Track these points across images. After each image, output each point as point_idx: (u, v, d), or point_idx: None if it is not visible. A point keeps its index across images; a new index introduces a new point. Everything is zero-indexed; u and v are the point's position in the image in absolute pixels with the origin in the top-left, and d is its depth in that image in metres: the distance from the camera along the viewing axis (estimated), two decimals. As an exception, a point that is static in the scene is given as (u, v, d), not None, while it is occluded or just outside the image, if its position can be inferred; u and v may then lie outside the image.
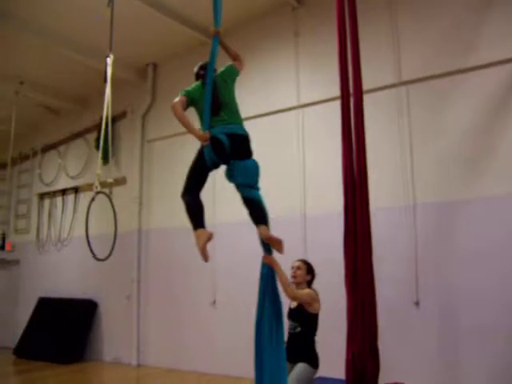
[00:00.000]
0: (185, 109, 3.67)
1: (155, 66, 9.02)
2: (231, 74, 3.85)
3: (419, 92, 6.07)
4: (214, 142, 3.53)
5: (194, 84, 3.87)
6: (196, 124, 3.74)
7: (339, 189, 6.29)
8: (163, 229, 8.41)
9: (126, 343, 8.49)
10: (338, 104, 6.29)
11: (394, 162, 6.10)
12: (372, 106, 5.85)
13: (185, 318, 7.86)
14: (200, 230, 3.44)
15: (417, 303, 5.68)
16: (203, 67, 3.86)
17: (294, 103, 7.02)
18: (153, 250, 8.54)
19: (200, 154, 3.61)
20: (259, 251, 3.71)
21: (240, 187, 3.56)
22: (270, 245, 3.54)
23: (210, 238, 3.38)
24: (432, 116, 5.94)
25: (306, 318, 3.87)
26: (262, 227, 3.47)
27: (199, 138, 3.54)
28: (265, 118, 7.24)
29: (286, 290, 3.71)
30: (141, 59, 8.75)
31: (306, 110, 6.92)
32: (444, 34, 5.96)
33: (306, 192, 6.78)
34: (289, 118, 7.08)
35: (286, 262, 3.99)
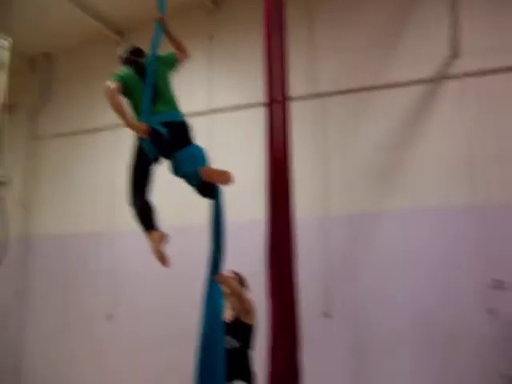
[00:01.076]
0: None
1: (49, 56, 8.25)
2: (170, 63, 3.57)
3: (334, 105, 6.19)
4: (153, 134, 3.21)
5: (122, 70, 3.50)
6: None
7: (254, 198, 6.29)
8: (55, 235, 7.64)
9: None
10: (254, 111, 6.40)
11: (308, 174, 6.12)
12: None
13: (75, 333, 7.16)
14: (152, 232, 3.07)
15: (329, 315, 5.71)
16: (135, 52, 3.53)
17: (206, 108, 6.79)
18: (41, 259, 7.69)
19: (139, 150, 3.26)
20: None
21: (189, 178, 3.26)
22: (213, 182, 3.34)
23: (164, 238, 3.05)
24: (347, 129, 6.08)
25: (244, 331, 3.66)
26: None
27: (139, 130, 3.20)
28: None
29: (243, 303, 3.48)
30: (32, 48, 7.94)
31: (218, 115, 6.73)
32: (359, 50, 6.15)
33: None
34: (200, 123, 6.80)
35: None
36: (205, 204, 3.68)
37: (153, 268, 3.65)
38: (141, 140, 3.27)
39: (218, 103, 6.73)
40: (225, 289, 3.40)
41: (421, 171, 5.71)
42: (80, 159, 7.61)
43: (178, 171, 3.28)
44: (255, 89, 6.44)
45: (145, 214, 3.19)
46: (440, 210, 5.55)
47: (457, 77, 5.72)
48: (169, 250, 3.31)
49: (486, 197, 5.36)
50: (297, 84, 6.22)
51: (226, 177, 3.21)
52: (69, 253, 7.33)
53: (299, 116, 6.19)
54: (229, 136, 6.64)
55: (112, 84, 3.29)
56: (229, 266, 5.71)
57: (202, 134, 6.62)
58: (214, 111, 6.73)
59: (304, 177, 6.04)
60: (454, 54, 5.71)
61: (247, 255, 5.53)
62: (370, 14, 6.18)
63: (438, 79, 5.80)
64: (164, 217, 3.60)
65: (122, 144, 6.23)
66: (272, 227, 4.68)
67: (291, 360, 4.34)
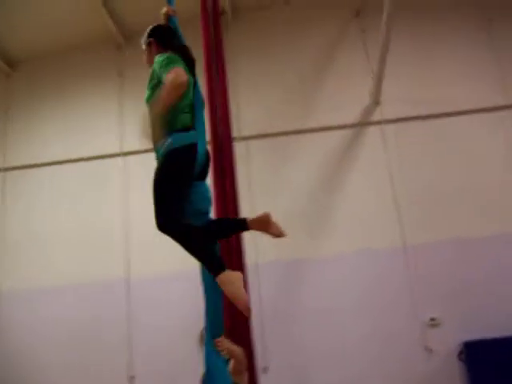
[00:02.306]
0: None
1: None
2: None
3: (260, 149, 6.01)
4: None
5: (166, 54, 2.61)
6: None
7: (171, 249, 5.76)
8: None
9: None
10: None
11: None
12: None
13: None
14: (229, 273, 2.27)
15: (265, 369, 5.28)
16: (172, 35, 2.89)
17: (117, 150, 6.15)
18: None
19: (189, 154, 2.49)
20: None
21: (197, 216, 2.61)
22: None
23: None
24: (275, 173, 5.91)
25: None
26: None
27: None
28: (82, 164, 6.14)
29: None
30: None
31: (130, 158, 6.13)
32: (284, 96, 6.10)
33: (130, 251, 5.86)
34: (111, 166, 6.14)
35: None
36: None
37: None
38: (193, 143, 2.52)
39: (130, 146, 6.14)
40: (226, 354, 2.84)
41: (348, 214, 5.71)
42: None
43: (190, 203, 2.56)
44: None
45: (207, 244, 2.42)
46: (373, 252, 5.56)
47: (378, 123, 5.93)
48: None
49: (414, 237, 5.50)
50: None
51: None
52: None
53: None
54: (142, 178, 6.04)
55: (178, 71, 2.44)
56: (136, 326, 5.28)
57: (113, 175, 6.09)
58: (125, 154, 6.12)
59: None
60: (376, 101, 5.93)
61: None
62: (298, 59, 6.20)
63: (361, 125, 5.96)
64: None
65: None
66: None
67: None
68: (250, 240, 5.61)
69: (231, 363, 2.93)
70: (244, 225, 2.76)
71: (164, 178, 2.44)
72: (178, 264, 5.65)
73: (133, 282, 5.73)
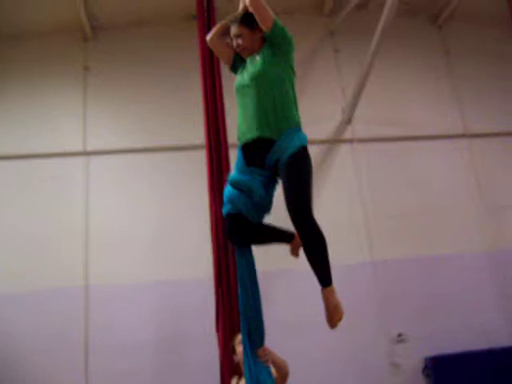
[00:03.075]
0: None
1: None
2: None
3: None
4: None
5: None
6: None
7: (135, 256, 5.55)
8: None
9: None
10: (137, 156, 5.71)
11: (196, 230, 5.56)
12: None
13: None
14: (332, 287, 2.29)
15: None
16: None
17: (80, 148, 5.72)
18: None
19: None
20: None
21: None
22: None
23: None
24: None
25: None
26: None
27: None
28: (42, 161, 5.63)
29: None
30: None
31: (93, 158, 5.72)
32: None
33: (89, 257, 5.43)
34: (73, 165, 5.69)
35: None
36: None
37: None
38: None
39: (94, 145, 5.75)
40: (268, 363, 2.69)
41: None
42: None
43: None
44: (136, 133, 5.84)
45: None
46: (341, 268, 5.62)
47: (349, 141, 6.06)
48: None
49: (383, 253, 5.66)
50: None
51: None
52: None
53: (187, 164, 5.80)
54: (105, 181, 5.70)
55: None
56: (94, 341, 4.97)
57: (75, 174, 5.64)
58: (88, 153, 5.72)
59: (193, 233, 5.55)
60: (347, 120, 6.07)
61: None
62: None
63: (332, 142, 6.05)
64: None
65: None
66: (223, 287, 4.12)
67: None
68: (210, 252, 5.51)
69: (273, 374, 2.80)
70: (291, 238, 2.78)
71: (310, 171, 2.40)
72: (140, 272, 5.42)
73: (92, 290, 5.33)
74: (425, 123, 6.22)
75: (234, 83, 2.66)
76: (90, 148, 5.72)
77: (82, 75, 5.94)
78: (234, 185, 2.46)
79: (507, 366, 5.19)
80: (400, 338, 5.40)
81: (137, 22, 6.03)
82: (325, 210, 5.72)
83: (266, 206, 2.50)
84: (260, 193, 2.42)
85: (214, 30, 2.75)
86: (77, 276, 5.33)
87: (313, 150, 5.80)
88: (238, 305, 3.87)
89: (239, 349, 3.36)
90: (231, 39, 2.65)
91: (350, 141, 6.06)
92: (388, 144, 6.07)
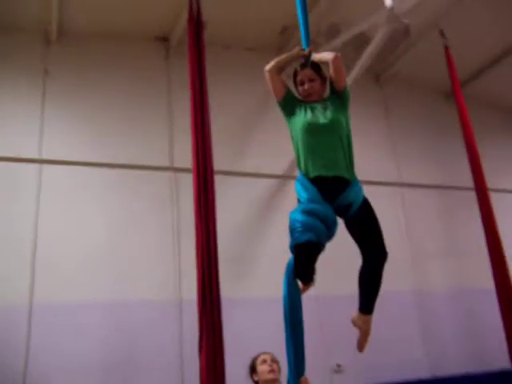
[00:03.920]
0: None
1: None
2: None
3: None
4: None
5: None
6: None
7: (89, 272, 5.32)
8: None
9: None
10: (92, 170, 5.54)
11: (163, 253, 5.56)
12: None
13: None
14: None
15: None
16: None
17: (35, 155, 5.37)
18: None
19: None
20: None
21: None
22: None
23: None
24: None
25: None
26: None
27: None
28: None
29: None
30: None
31: (49, 166, 5.40)
32: (216, 136, 6.14)
33: (35, 273, 5.05)
34: (26, 172, 5.31)
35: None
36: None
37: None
38: None
39: (49, 152, 5.44)
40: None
41: (268, 261, 5.94)
42: None
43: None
44: (93, 146, 5.66)
45: None
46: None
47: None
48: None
49: (325, 289, 5.98)
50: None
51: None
52: None
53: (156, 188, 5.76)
54: (55, 189, 5.40)
55: None
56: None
57: (29, 183, 5.25)
58: (44, 162, 5.40)
59: (161, 256, 5.53)
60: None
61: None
62: (238, 103, 6.38)
63: (285, 178, 6.35)
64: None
65: None
66: (206, 308, 4.12)
67: None
68: (174, 276, 5.47)
69: None
70: None
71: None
72: (91, 290, 5.18)
73: (36, 308, 4.96)
74: (365, 169, 6.77)
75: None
76: (45, 155, 5.40)
77: (42, 78, 5.62)
78: (312, 213, 2.58)
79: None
80: (339, 369, 5.74)
81: (106, 34, 5.89)
82: (276, 243, 5.98)
83: (332, 236, 2.69)
84: (335, 221, 2.61)
85: (275, 63, 2.95)
86: (20, 292, 4.93)
87: (268, 182, 6.12)
88: (220, 328, 4.04)
89: (261, 368, 3.43)
90: (299, 81, 2.88)
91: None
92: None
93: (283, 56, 2.99)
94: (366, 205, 2.75)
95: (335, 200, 2.65)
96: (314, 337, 5.72)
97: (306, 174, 2.73)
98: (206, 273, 4.20)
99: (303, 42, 3.13)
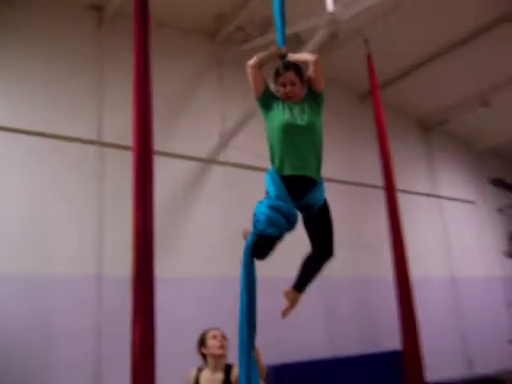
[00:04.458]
0: None
1: None
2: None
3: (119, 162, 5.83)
4: None
5: None
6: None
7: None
8: None
9: None
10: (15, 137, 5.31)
11: (83, 227, 5.47)
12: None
13: None
14: None
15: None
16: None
17: None
18: None
19: None
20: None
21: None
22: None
23: None
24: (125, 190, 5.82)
25: None
26: None
27: None
28: None
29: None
30: None
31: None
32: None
33: None
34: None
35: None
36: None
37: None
38: None
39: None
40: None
41: (191, 241, 6.09)
42: None
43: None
44: (25, 113, 5.44)
45: None
46: (208, 279, 6.03)
47: (223, 164, 6.59)
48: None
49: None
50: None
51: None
52: None
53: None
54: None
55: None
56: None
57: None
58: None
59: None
60: (223, 144, 6.60)
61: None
62: (166, 85, 6.30)
63: (208, 162, 6.50)
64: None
65: None
66: (140, 288, 4.16)
67: None
68: (95, 248, 5.41)
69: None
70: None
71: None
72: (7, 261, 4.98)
73: None
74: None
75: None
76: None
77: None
78: (277, 210, 2.75)
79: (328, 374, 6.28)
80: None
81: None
82: (200, 223, 6.14)
83: (292, 230, 2.91)
84: (296, 218, 2.83)
85: (257, 59, 2.98)
86: None
87: (192, 165, 6.23)
88: (153, 305, 4.11)
89: (211, 343, 3.59)
90: (280, 82, 2.96)
91: (224, 163, 6.60)
92: (253, 172, 6.66)
93: (263, 54, 3.04)
94: (325, 206, 2.96)
95: (302, 198, 2.86)
96: (231, 315, 5.95)
97: (279, 171, 2.86)
98: (141, 254, 4.22)
99: (279, 42, 3.17)
